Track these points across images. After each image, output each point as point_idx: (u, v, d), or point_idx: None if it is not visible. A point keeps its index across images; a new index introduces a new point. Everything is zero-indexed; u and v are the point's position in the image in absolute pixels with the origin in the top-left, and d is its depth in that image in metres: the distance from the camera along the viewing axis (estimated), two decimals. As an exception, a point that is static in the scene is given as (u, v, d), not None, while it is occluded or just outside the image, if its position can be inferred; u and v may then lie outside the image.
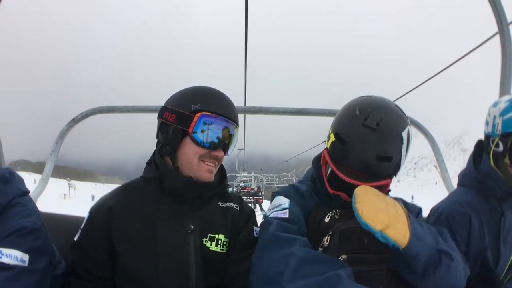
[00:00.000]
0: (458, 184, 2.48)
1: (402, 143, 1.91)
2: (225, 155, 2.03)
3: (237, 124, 2.05)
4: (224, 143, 1.99)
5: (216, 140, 1.95)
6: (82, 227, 2.01)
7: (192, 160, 1.95)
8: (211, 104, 1.95)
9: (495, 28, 3.05)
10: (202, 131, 1.92)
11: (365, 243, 1.84)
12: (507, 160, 2.18)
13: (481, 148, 2.39)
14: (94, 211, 2.01)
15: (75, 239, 2.00)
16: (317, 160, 2.27)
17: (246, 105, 4.04)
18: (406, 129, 1.93)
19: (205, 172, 1.97)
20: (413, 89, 7.44)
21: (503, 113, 2.18)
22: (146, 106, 3.52)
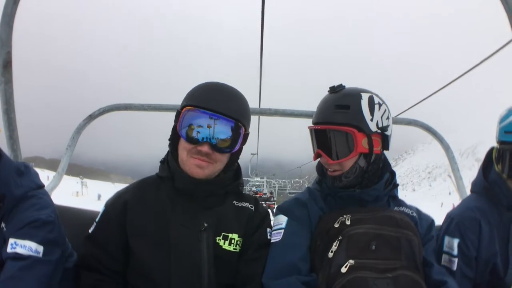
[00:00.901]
0: (471, 191, 2.49)
1: (361, 98, 2.04)
2: (215, 151, 1.93)
3: (229, 117, 1.93)
4: (207, 138, 1.90)
5: (198, 134, 1.90)
6: (97, 220, 2.03)
7: (182, 156, 1.97)
8: (196, 98, 1.94)
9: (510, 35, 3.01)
10: (189, 125, 1.91)
11: (373, 250, 1.88)
12: (500, 167, 2.24)
13: (491, 156, 2.39)
14: (110, 205, 2.04)
15: (90, 231, 2.01)
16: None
17: (261, 107, 4.04)
18: (369, 94, 2.08)
19: (193, 167, 1.94)
20: (427, 97, 7.38)
21: (501, 120, 2.23)
22: (161, 104, 3.55)
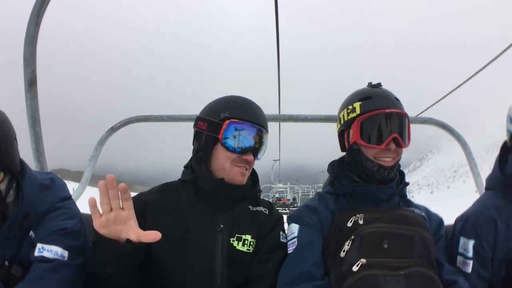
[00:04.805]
0: (486, 188, 2.43)
1: None
2: (255, 159, 2.16)
3: (266, 130, 2.19)
4: (253, 148, 2.13)
5: (245, 145, 2.10)
6: None
7: (224, 165, 2.09)
8: (239, 111, 2.10)
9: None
10: (233, 137, 2.07)
11: (385, 248, 1.90)
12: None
13: (506, 149, 2.34)
14: (134, 202, 2.09)
15: None
16: (331, 163, 2.38)
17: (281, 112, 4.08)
18: None
19: (238, 175, 2.11)
20: (449, 93, 7.29)
21: (510, 110, 2.20)
22: (180, 115, 3.68)
